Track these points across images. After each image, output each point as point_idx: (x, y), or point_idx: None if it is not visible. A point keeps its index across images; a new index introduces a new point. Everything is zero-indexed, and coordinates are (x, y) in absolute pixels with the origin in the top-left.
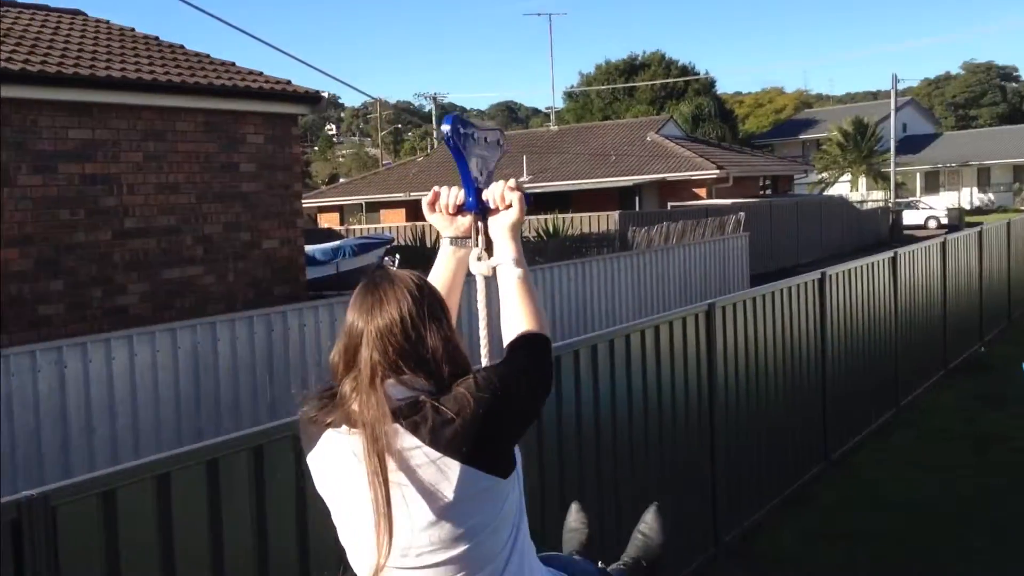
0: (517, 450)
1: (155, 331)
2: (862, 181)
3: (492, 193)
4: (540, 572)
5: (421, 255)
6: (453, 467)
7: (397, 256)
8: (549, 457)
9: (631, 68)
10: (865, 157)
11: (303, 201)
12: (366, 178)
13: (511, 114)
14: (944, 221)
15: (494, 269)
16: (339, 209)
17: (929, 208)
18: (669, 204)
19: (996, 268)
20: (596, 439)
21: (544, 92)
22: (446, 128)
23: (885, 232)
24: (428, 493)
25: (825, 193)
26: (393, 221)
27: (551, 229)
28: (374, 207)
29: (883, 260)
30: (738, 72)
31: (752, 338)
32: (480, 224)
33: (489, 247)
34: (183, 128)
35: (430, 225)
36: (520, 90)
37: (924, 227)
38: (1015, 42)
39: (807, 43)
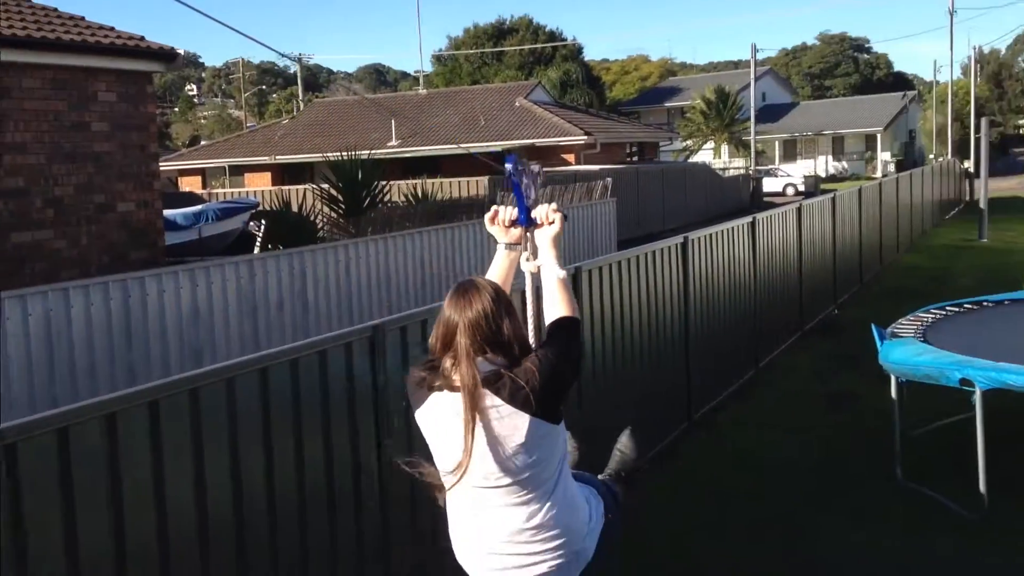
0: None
1: (3, 298)
2: (724, 149)
3: (539, 212)
4: (574, 487)
5: (286, 220)
6: (524, 419)
7: (263, 221)
8: (418, 426)
9: (499, 33)
10: (727, 125)
11: (162, 164)
12: (229, 140)
13: (379, 77)
14: (801, 188)
15: (539, 268)
16: (201, 172)
17: (787, 175)
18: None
19: (848, 234)
20: None
21: (413, 55)
22: (508, 166)
23: (746, 198)
24: (506, 437)
25: (689, 160)
26: (258, 185)
27: (420, 194)
28: (238, 170)
29: (743, 225)
30: (605, 39)
31: (617, 301)
32: (529, 235)
33: (535, 252)
34: (30, 85)
35: (296, 189)
36: (389, 53)
37: (783, 194)
38: (867, 14)
39: (671, 12)
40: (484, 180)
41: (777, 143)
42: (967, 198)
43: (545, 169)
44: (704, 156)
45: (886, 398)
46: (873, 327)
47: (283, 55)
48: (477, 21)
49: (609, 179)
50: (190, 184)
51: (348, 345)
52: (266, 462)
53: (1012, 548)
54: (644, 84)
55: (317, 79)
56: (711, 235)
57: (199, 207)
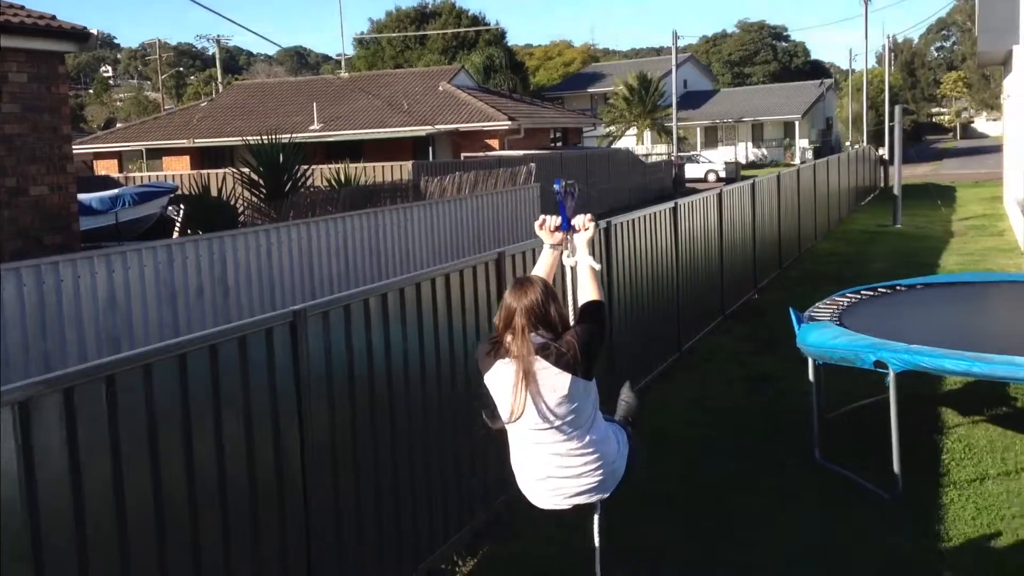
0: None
1: None
2: (647, 135)
3: (577, 220)
4: (604, 425)
5: (206, 204)
6: (566, 377)
7: (181, 206)
8: (341, 413)
9: (422, 16)
10: (649, 111)
11: (77, 147)
12: (147, 123)
13: (300, 60)
14: (723, 174)
15: (576, 263)
16: (117, 156)
17: (709, 162)
18: (462, 155)
19: (768, 219)
20: (388, 390)
21: (334, 38)
22: (557, 187)
23: (669, 184)
24: (553, 391)
25: (613, 146)
26: (177, 169)
27: (342, 178)
28: (156, 154)
29: (664, 210)
30: (528, 24)
31: None
32: (568, 238)
33: (573, 251)
34: None
35: (216, 173)
36: (310, 35)
37: (705, 180)
38: (785, 2)
39: None
40: (407, 164)
41: (699, 129)
42: (882, 184)
43: (468, 155)
44: (627, 142)
45: (804, 380)
46: (791, 311)
47: (265, 37)
48: (399, 4)
49: (533, 164)
50: (106, 168)
51: (268, 331)
52: (185, 450)
53: (923, 527)
54: (567, 70)
55: (237, 61)
56: (633, 220)
57: (115, 191)
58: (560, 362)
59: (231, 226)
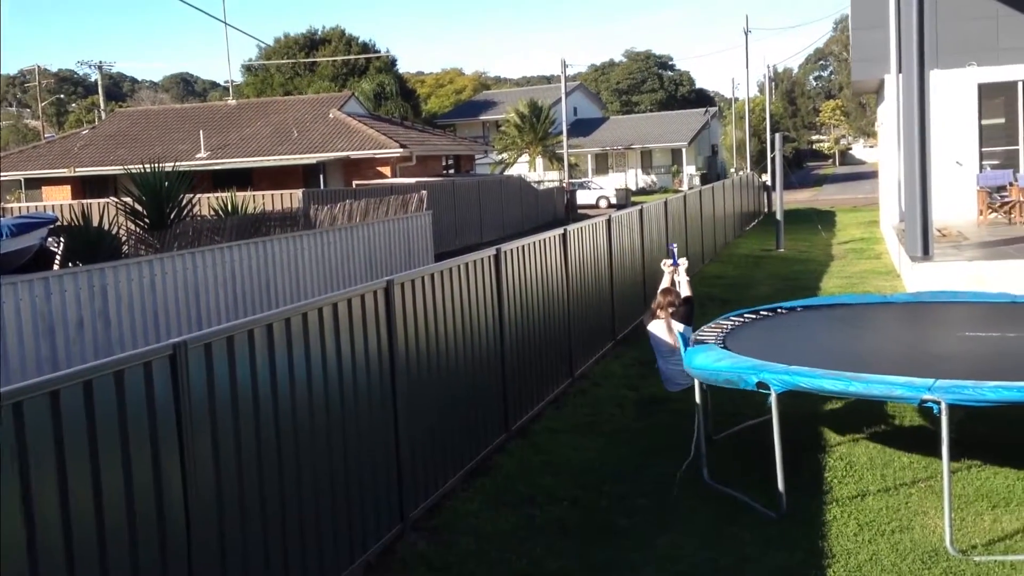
0: None
1: None
2: (539, 161)
3: (679, 260)
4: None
5: (87, 235)
6: (680, 325)
7: (61, 239)
8: (224, 446)
9: (311, 43)
10: (541, 139)
11: None
12: (25, 152)
13: (187, 87)
14: (614, 201)
15: (680, 280)
16: None
17: (600, 188)
18: (354, 182)
19: (657, 244)
20: (275, 422)
21: (222, 64)
22: (671, 247)
23: (561, 211)
24: (675, 330)
25: (505, 173)
26: (57, 199)
27: (230, 207)
28: (35, 183)
29: (554, 237)
30: (419, 52)
31: (432, 314)
32: (674, 266)
33: (675, 271)
34: None
35: (98, 203)
36: (197, 61)
37: (596, 206)
38: (670, 32)
39: (485, 26)
40: (298, 192)
41: (590, 156)
42: (766, 210)
43: (359, 182)
44: (519, 169)
45: (693, 402)
46: (679, 334)
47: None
48: (288, 31)
49: (424, 192)
50: None
51: (147, 364)
52: (60, 492)
53: (807, 544)
54: (459, 97)
55: (120, 88)
56: (523, 247)
57: None
58: (676, 316)
59: (114, 257)
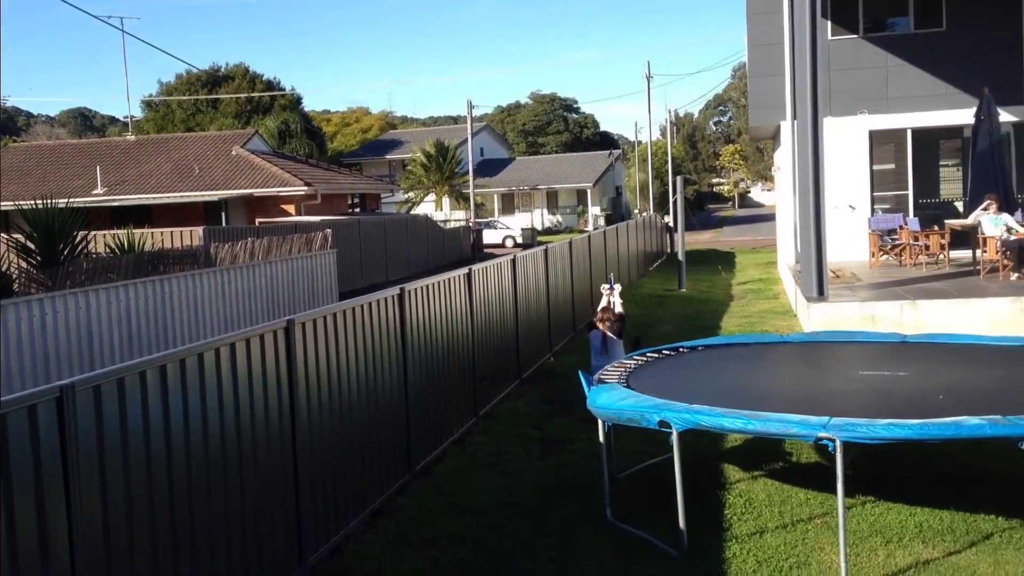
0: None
1: None
2: (446, 201)
3: (615, 285)
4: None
5: None
6: (615, 339)
7: None
8: (113, 492)
9: (214, 80)
10: (447, 178)
11: None
12: None
13: (85, 122)
14: (520, 240)
15: (615, 301)
16: None
17: (507, 228)
18: (257, 220)
19: (561, 284)
20: (168, 466)
21: (121, 100)
22: (612, 276)
23: (468, 250)
24: (613, 342)
25: (412, 212)
26: None
27: (126, 244)
28: None
29: (459, 276)
30: (325, 91)
31: (334, 354)
32: (611, 291)
33: (611, 293)
34: None
35: None
36: (95, 96)
37: (503, 245)
38: (574, 76)
39: (391, 66)
40: (198, 230)
41: (496, 196)
42: (668, 250)
43: (262, 220)
44: (426, 208)
45: (597, 442)
46: (581, 374)
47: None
48: (190, 67)
49: (329, 230)
50: None
51: (32, 408)
52: None
53: None
54: (365, 136)
55: (15, 123)
56: (428, 286)
57: None
58: (612, 329)
59: (3, 296)
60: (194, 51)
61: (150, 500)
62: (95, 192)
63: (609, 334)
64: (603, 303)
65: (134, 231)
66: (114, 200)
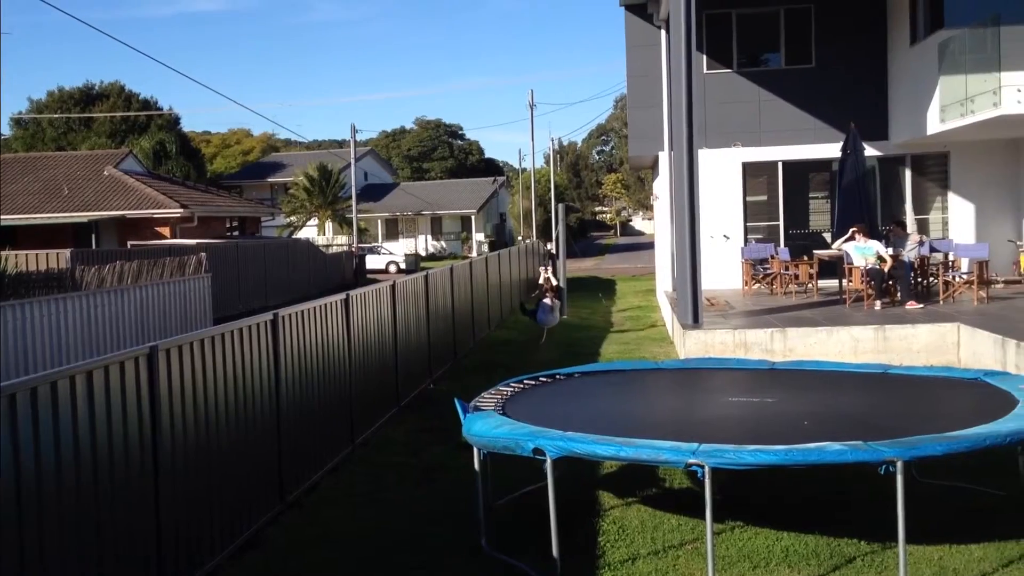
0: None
1: None
2: (328, 225)
3: (548, 268)
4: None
5: None
6: (555, 301)
7: None
8: None
9: (88, 98)
10: (330, 202)
11: None
12: None
13: None
14: (403, 266)
15: (551, 277)
16: None
17: (390, 253)
18: (129, 243)
19: (442, 310)
20: (17, 500)
21: None
22: (547, 263)
23: (350, 275)
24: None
25: (293, 236)
26: None
27: None
28: None
29: (336, 302)
30: (205, 111)
31: (201, 382)
32: (547, 270)
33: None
34: None
35: None
36: None
37: (386, 271)
38: (459, 103)
39: (274, 88)
40: (66, 253)
41: (380, 221)
42: None
43: (135, 243)
44: (309, 232)
45: (473, 470)
46: (456, 401)
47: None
48: (63, 84)
49: (204, 254)
50: None
51: None
52: None
53: None
54: (246, 158)
55: None
56: (303, 312)
57: None
58: (552, 294)
59: None
60: (70, 66)
61: None
62: None
63: (551, 297)
64: (541, 279)
65: None
66: None
